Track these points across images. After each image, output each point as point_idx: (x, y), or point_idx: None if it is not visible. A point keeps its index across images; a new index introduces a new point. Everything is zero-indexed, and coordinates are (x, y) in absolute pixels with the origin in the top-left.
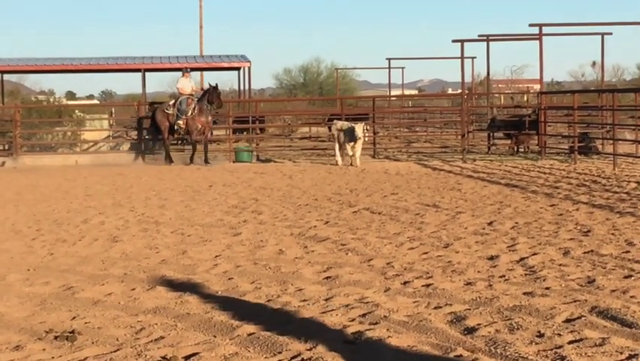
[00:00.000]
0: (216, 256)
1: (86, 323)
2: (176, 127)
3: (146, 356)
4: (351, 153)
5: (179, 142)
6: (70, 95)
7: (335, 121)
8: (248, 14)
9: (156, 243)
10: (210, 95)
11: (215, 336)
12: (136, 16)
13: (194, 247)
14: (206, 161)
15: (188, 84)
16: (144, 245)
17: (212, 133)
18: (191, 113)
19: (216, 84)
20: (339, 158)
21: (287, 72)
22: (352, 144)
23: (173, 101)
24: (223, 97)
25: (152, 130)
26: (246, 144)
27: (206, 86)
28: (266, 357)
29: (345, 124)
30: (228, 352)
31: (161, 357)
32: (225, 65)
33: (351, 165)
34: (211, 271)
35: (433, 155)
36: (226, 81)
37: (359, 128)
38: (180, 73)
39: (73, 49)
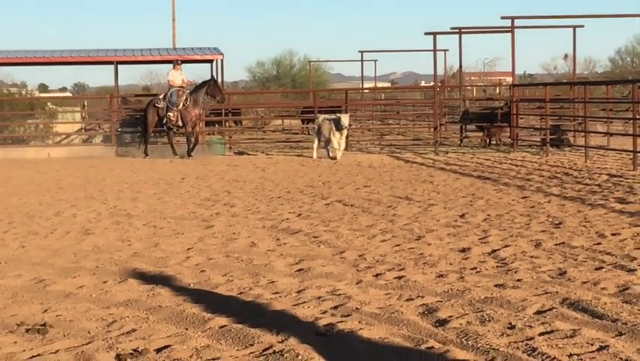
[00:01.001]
0: (188, 249)
1: (57, 315)
2: (165, 120)
3: (117, 348)
4: (336, 146)
5: (165, 134)
6: (43, 87)
7: (318, 115)
8: (221, 7)
9: (128, 235)
10: (211, 89)
11: (187, 329)
12: (109, 8)
13: (167, 240)
14: (189, 154)
15: (179, 76)
16: (116, 238)
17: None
18: (184, 105)
19: (214, 78)
20: (315, 152)
21: (260, 65)
22: (339, 135)
23: (162, 95)
24: None
25: (142, 124)
26: (218, 136)
27: (191, 80)
28: (237, 349)
29: (328, 117)
30: (200, 344)
31: (133, 350)
32: (198, 57)
33: (331, 157)
34: (183, 264)
35: (405, 147)
36: (199, 74)
37: (345, 118)
38: (171, 65)
39: (45, 41)
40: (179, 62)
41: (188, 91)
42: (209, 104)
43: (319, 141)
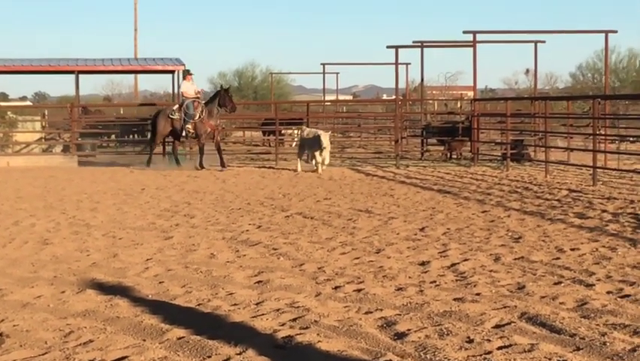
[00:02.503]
0: (147, 260)
1: (14, 325)
2: (184, 132)
3: (74, 359)
4: (319, 160)
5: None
6: (3, 96)
7: (303, 127)
8: (184, 17)
9: (87, 246)
10: (222, 99)
11: (144, 340)
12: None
13: (125, 251)
14: (223, 165)
15: (192, 87)
16: (75, 248)
17: (220, 136)
18: (199, 117)
19: (229, 86)
20: (299, 164)
21: (222, 76)
22: (319, 152)
23: (177, 106)
24: (157, 100)
25: (151, 135)
26: (179, 147)
27: (201, 89)
28: None
29: (312, 131)
30: (157, 356)
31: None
32: (160, 68)
33: (315, 171)
34: (142, 275)
35: (366, 160)
36: (161, 84)
37: (325, 137)
38: (182, 76)
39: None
40: (190, 72)
41: (203, 102)
42: (222, 114)
43: (301, 154)
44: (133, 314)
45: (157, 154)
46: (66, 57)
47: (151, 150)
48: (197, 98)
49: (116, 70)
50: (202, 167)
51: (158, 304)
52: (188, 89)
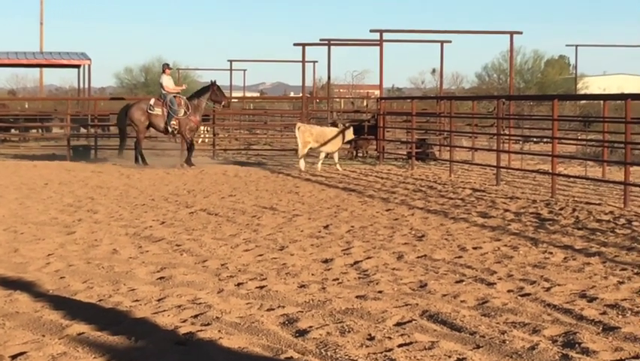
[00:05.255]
0: (49, 255)
1: None
2: (170, 129)
3: None
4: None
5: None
6: None
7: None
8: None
9: None
10: (214, 95)
11: (43, 335)
12: None
13: (27, 245)
14: (188, 162)
15: (171, 82)
16: None
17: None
18: (185, 114)
19: (215, 81)
20: (302, 163)
21: (128, 71)
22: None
23: (153, 100)
24: (62, 95)
25: (120, 129)
26: (85, 142)
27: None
28: (95, 357)
29: (316, 128)
30: (57, 351)
31: None
32: (65, 62)
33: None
34: (43, 270)
35: (272, 157)
36: (66, 79)
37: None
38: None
39: None
40: (169, 65)
41: (185, 98)
42: (212, 109)
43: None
44: (33, 310)
45: (123, 149)
46: None
47: (122, 144)
48: (178, 93)
49: (21, 63)
50: (190, 164)
51: (59, 299)
52: (169, 83)
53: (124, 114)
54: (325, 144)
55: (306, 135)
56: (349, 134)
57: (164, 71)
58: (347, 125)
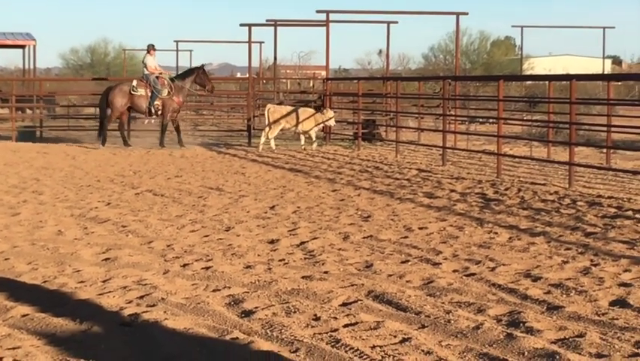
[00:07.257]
0: None
1: None
2: (153, 109)
3: None
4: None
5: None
6: None
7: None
8: None
9: None
10: (199, 78)
11: None
12: None
13: None
14: (180, 143)
15: (154, 62)
16: None
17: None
18: (169, 94)
19: (203, 65)
20: (272, 143)
21: (74, 52)
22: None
23: (136, 81)
24: (7, 76)
25: (102, 111)
26: (30, 123)
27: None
28: (39, 338)
29: (287, 108)
30: (1, 333)
31: None
32: (9, 42)
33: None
34: None
35: (219, 139)
36: (11, 59)
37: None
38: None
39: None
40: (154, 46)
41: (169, 78)
42: (196, 92)
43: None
44: None
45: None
46: None
47: (103, 128)
48: (161, 74)
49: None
50: (162, 145)
51: (3, 281)
52: (153, 63)
53: (105, 97)
54: (297, 124)
55: (276, 116)
56: (328, 114)
57: (148, 52)
58: (312, 105)
